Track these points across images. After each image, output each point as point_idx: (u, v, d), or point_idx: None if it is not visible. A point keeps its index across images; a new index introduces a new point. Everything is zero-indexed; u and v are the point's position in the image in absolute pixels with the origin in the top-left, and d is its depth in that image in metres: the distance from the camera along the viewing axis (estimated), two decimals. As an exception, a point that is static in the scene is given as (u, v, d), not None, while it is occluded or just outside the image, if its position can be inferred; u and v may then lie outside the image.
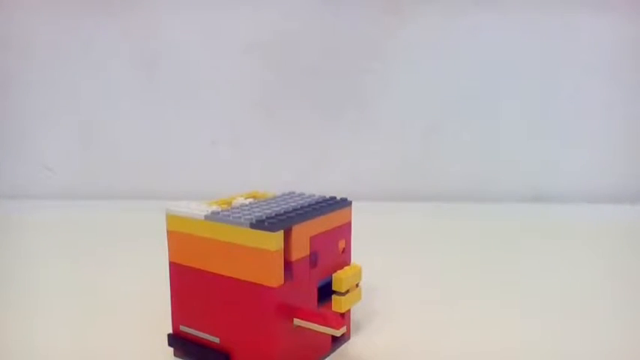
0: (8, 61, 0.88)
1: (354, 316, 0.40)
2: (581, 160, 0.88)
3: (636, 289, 0.50)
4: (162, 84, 0.88)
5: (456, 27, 0.85)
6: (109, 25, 0.86)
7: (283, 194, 0.38)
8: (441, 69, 0.86)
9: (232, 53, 0.87)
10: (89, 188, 0.89)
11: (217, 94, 0.88)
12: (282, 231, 0.31)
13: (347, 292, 0.35)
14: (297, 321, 0.33)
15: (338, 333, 0.32)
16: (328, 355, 0.37)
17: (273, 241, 0.30)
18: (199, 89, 0.88)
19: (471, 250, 0.62)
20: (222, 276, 0.33)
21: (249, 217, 0.32)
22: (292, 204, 0.35)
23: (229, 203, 0.37)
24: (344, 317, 0.37)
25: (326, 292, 0.35)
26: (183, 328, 0.35)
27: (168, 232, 0.35)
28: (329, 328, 0.32)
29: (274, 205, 0.35)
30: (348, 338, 0.39)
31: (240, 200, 0.37)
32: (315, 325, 0.32)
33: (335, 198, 0.37)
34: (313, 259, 0.34)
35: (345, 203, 0.37)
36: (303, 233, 0.33)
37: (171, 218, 0.34)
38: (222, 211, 0.33)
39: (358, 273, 0.36)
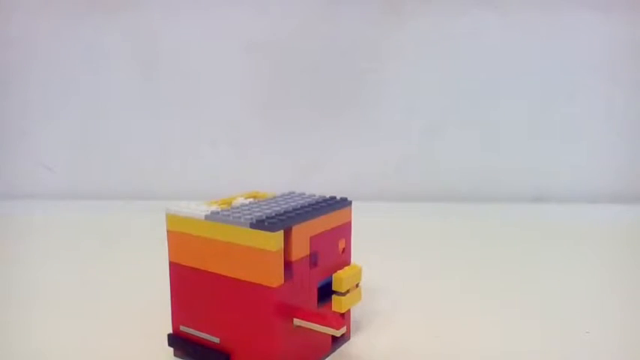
0: (8, 60, 0.88)
1: (354, 316, 0.40)
2: (581, 160, 0.88)
3: (637, 290, 0.50)
4: (163, 84, 0.88)
5: (455, 27, 0.85)
6: (109, 26, 0.86)
7: (283, 194, 0.38)
8: (441, 69, 0.86)
9: (232, 53, 0.87)
10: (89, 188, 0.89)
11: (217, 93, 0.88)
12: (282, 231, 0.31)
13: (347, 292, 0.35)
14: (297, 321, 0.33)
15: (338, 333, 0.32)
16: (328, 355, 0.37)
17: (273, 241, 0.30)
18: (199, 89, 0.88)
19: (472, 251, 0.62)
20: (222, 276, 0.33)
21: (249, 217, 0.32)
22: (292, 204, 0.35)
23: (229, 203, 0.37)
24: (344, 317, 0.37)
25: (326, 292, 0.35)
26: (183, 328, 0.35)
27: (168, 232, 0.35)
28: (329, 328, 0.32)
29: (274, 205, 0.35)
30: (348, 338, 0.39)
31: (240, 200, 0.37)
32: (315, 325, 0.32)
33: (335, 198, 0.37)
34: (313, 259, 0.34)
35: (345, 203, 0.37)
36: (303, 233, 0.33)
37: (171, 218, 0.34)
38: (222, 211, 0.33)
39: (358, 273, 0.36)
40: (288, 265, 0.32)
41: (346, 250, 0.37)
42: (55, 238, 0.68)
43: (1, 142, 0.90)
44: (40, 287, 0.50)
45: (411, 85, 0.87)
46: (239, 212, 0.33)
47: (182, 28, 0.87)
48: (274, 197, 0.37)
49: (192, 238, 0.33)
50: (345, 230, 0.37)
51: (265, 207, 0.34)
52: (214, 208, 0.34)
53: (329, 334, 0.34)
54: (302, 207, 0.34)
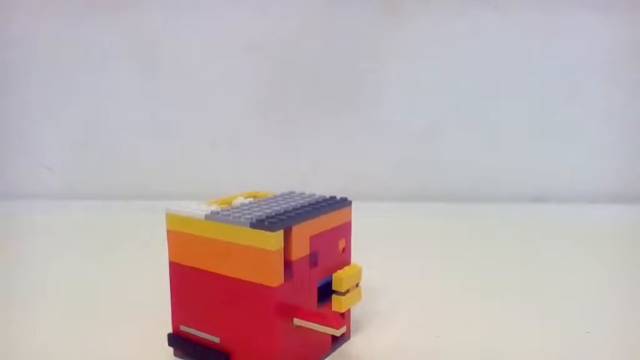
0: (8, 60, 0.88)
1: (354, 316, 0.40)
2: (581, 160, 0.88)
3: (637, 289, 0.50)
4: (163, 84, 0.88)
5: (455, 27, 0.85)
6: (109, 26, 0.86)
7: (283, 194, 0.38)
8: (441, 69, 0.86)
9: (233, 53, 0.87)
10: (89, 188, 0.89)
11: (217, 94, 0.88)
12: (282, 231, 0.31)
13: (347, 291, 0.35)
14: (297, 321, 0.33)
15: (338, 333, 0.32)
16: (328, 355, 0.37)
17: (273, 240, 0.30)
18: (199, 89, 0.88)
19: (472, 251, 0.62)
20: (222, 276, 0.33)
21: (249, 216, 0.32)
22: (292, 204, 0.35)
23: (229, 203, 0.37)
24: (344, 317, 0.37)
25: (326, 291, 0.35)
26: (183, 328, 0.35)
27: (168, 231, 0.35)
28: (329, 328, 0.32)
29: (274, 204, 0.35)
30: (348, 338, 0.39)
31: (240, 200, 0.37)
32: (315, 324, 0.32)
33: (335, 198, 0.37)
34: (313, 258, 0.34)
35: (345, 203, 0.37)
36: (303, 233, 0.33)
37: (171, 218, 0.34)
38: (222, 210, 0.33)
39: (358, 273, 0.36)
40: (288, 264, 0.32)
41: (346, 250, 0.37)
42: (56, 239, 0.68)
43: (2, 143, 0.90)
44: (40, 287, 0.50)
45: (411, 85, 0.87)
46: (239, 212, 0.33)
47: (182, 28, 0.87)
48: (274, 197, 0.37)
49: (193, 237, 0.33)
50: (345, 230, 0.37)
51: (265, 207, 0.34)
52: (214, 207, 0.34)
53: (329, 334, 0.34)
54: (302, 207, 0.34)
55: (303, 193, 0.38)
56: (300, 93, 0.88)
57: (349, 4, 0.85)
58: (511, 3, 0.84)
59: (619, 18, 0.83)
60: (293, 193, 0.39)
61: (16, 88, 0.89)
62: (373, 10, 0.85)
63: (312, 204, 0.35)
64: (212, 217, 0.32)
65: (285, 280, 0.32)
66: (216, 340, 0.34)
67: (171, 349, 0.36)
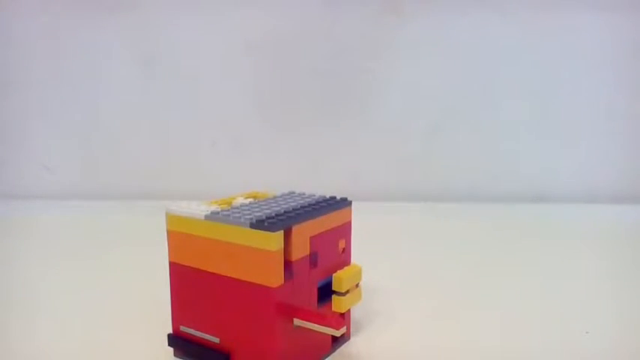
0: (8, 60, 0.88)
1: (354, 316, 0.40)
2: (582, 160, 0.88)
3: (637, 290, 0.50)
4: (163, 84, 0.88)
5: (456, 26, 0.85)
6: (108, 26, 0.86)
7: (283, 194, 0.38)
8: (441, 68, 0.86)
9: (232, 53, 0.87)
10: (89, 188, 0.89)
11: (217, 94, 0.88)
12: (282, 231, 0.31)
13: (347, 292, 0.35)
14: (297, 321, 0.33)
15: (338, 333, 0.32)
16: (328, 355, 0.37)
17: (273, 241, 0.30)
18: (199, 89, 0.88)
19: (472, 251, 0.62)
20: (222, 276, 0.33)
21: (249, 217, 0.32)
22: (292, 204, 0.35)
23: (229, 203, 0.37)
24: (344, 317, 0.37)
25: (326, 292, 0.35)
26: (183, 329, 0.35)
27: (168, 231, 0.35)
28: (329, 328, 0.32)
29: (274, 205, 0.35)
30: (348, 338, 0.39)
31: (240, 200, 0.37)
32: (315, 325, 0.32)
33: (335, 198, 0.37)
34: (313, 259, 0.34)
35: (345, 203, 0.37)
36: (303, 233, 0.33)
37: (171, 218, 0.34)
38: (222, 211, 0.33)
39: (358, 273, 0.36)
40: (288, 265, 0.32)
41: (346, 250, 0.37)
42: (55, 239, 0.68)
43: (1, 143, 0.90)
44: (39, 287, 0.50)
45: (411, 84, 0.87)
46: (239, 212, 0.33)
47: (182, 28, 0.87)
48: (274, 197, 0.37)
49: (192, 238, 0.33)
50: (345, 230, 0.37)
51: (265, 207, 0.34)
52: (214, 208, 0.34)
53: (329, 334, 0.34)
54: (302, 207, 0.34)
55: (303, 194, 0.38)
56: (300, 93, 0.88)
57: (349, 3, 0.85)
58: (512, 3, 0.84)
59: (620, 17, 0.83)
60: (293, 193, 0.39)
61: (15, 88, 0.89)
62: (373, 10, 0.85)
63: (312, 204, 0.35)
64: (212, 217, 0.32)
65: (285, 281, 0.32)
66: (216, 340, 0.34)
67: (171, 350, 0.36)
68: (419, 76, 0.87)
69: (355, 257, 0.38)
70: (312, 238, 0.33)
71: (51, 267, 0.56)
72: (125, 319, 0.42)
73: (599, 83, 0.86)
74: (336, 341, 0.37)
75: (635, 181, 0.88)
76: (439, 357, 0.37)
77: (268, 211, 0.33)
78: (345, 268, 0.36)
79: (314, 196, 0.38)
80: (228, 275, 0.32)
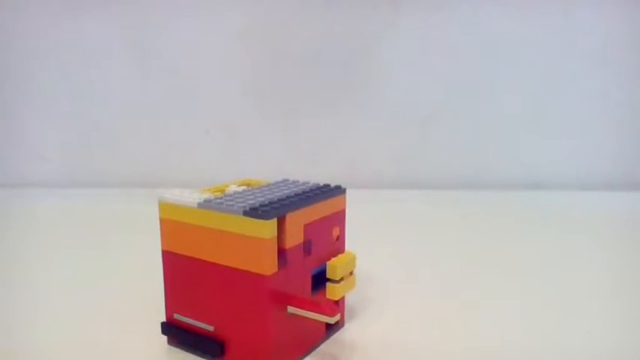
0: (5, 52, 0.87)
1: (348, 304, 0.40)
2: (577, 148, 0.88)
3: (632, 276, 0.50)
4: (157, 73, 0.87)
5: (453, 16, 0.84)
6: (103, 16, 0.86)
7: (277, 182, 0.38)
8: (437, 57, 0.86)
9: (227, 41, 0.86)
10: (84, 177, 0.89)
11: (211, 82, 0.87)
12: (276, 219, 0.31)
13: (341, 279, 0.35)
14: (291, 308, 0.33)
15: (332, 320, 0.32)
16: (322, 342, 0.37)
17: (267, 228, 0.30)
18: (193, 78, 0.88)
19: (468, 238, 0.62)
20: (216, 264, 0.32)
21: (242, 204, 0.31)
22: (286, 192, 0.35)
23: (222, 191, 0.37)
24: (338, 304, 0.37)
25: (320, 279, 0.35)
26: (176, 317, 0.35)
27: (160, 220, 0.35)
28: (323, 316, 0.32)
29: (268, 192, 0.35)
30: (343, 325, 0.39)
31: (233, 188, 0.37)
32: (309, 312, 0.32)
33: (329, 185, 0.37)
34: (307, 246, 0.34)
35: (339, 191, 0.37)
36: (297, 221, 0.33)
37: (163, 206, 0.34)
38: (215, 198, 0.33)
39: (352, 260, 0.36)
40: (281, 252, 0.32)
41: (340, 238, 0.37)
42: (52, 227, 0.68)
43: (-5, 131, 0.90)
44: (36, 275, 0.50)
45: (407, 73, 0.86)
46: (232, 200, 0.33)
47: (178, 17, 0.86)
48: (268, 185, 0.37)
49: (185, 226, 0.33)
50: (339, 218, 0.37)
51: (259, 195, 0.34)
52: (207, 195, 0.34)
53: (323, 322, 0.34)
54: (296, 195, 0.34)
55: (297, 181, 0.38)
56: (295, 81, 0.87)
57: (344, -10, 0.84)
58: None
59: (615, 7, 0.83)
60: (287, 180, 0.38)
61: (12, 79, 0.88)
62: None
63: (306, 192, 0.35)
64: (205, 205, 0.32)
65: (278, 269, 0.31)
66: (210, 328, 0.34)
67: (164, 338, 0.36)
68: (415, 65, 0.86)
69: (350, 245, 0.38)
70: (306, 226, 0.33)
71: (47, 255, 0.56)
72: (119, 307, 0.42)
73: (593, 73, 0.86)
74: (331, 328, 0.37)
75: (628, 168, 0.88)
76: (433, 344, 0.37)
77: (262, 198, 0.33)
78: (340, 255, 0.36)
79: (308, 183, 0.38)
80: (222, 263, 0.32)
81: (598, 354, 0.36)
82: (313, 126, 0.88)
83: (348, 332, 0.38)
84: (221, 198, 0.33)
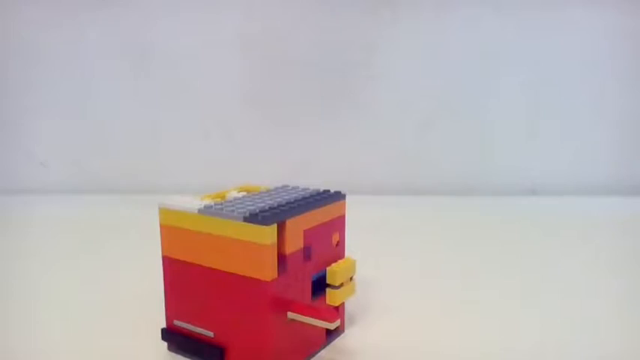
0: (1, 56, 0.87)
1: (348, 310, 0.40)
2: (576, 154, 0.88)
3: (631, 280, 0.50)
4: (156, 78, 0.87)
5: (450, 21, 0.85)
6: (101, 20, 0.86)
7: (277, 188, 0.38)
8: (435, 62, 0.86)
9: (226, 46, 0.86)
10: (83, 183, 0.89)
11: (211, 88, 0.88)
12: (276, 224, 0.31)
13: (341, 285, 0.35)
14: (291, 314, 0.33)
15: (332, 326, 0.32)
16: (323, 348, 0.37)
17: (267, 234, 0.30)
18: (193, 83, 0.88)
19: (466, 244, 0.62)
20: (216, 270, 0.32)
21: (242, 210, 0.32)
22: (286, 197, 0.35)
23: (223, 197, 0.37)
24: (338, 310, 0.37)
25: (320, 285, 0.35)
26: (176, 323, 0.35)
27: (161, 226, 0.35)
28: (323, 322, 0.32)
29: (268, 198, 0.35)
30: (343, 331, 0.39)
31: (233, 194, 0.37)
32: (309, 318, 0.32)
33: (329, 191, 0.37)
34: (307, 252, 0.34)
35: (339, 196, 0.37)
36: (297, 227, 0.33)
37: (164, 212, 0.34)
38: (215, 204, 0.33)
39: (352, 266, 0.36)
40: (281, 258, 0.32)
41: (340, 244, 0.37)
42: (50, 233, 0.68)
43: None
44: (34, 281, 0.50)
45: (405, 78, 0.87)
46: (232, 206, 0.33)
47: (176, 21, 0.86)
48: (268, 191, 0.37)
49: (186, 232, 0.33)
50: (339, 224, 0.37)
51: (259, 200, 0.34)
52: (207, 202, 0.34)
53: (323, 328, 0.34)
54: (296, 200, 0.34)
55: (297, 187, 0.38)
56: (293, 87, 0.88)
57: (343, -3, 0.85)
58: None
59: (612, 11, 0.84)
60: (287, 186, 0.38)
61: (8, 83, 0.88)
62: (367, 3, 0.85)
63: (306, 198, 0.35)
64: (205, 211, 0.32)
65: (278, 274, 0.31)
66: (210, 334, 0.33)
67: (164, 344, 0.36)
68: (414, 71, 0.86)
69: (349, 251, 0.38)
70: (305, 232, 0.33)
71: (46, 261, 0.56)
72: (118, 313, 0.42)
73: (591, 78, 0.86)
74: (331, 334, 0.37)
75: (628, 174, 0.88)
76: (433, 349, 0.37)
77: (262, 204, 0.33)
78: (339, 261, 0.36)
79: (308, 189, 0.38)
80: (222, 269, 0.32)
81: (598, 358, 0.36)
82: (313, 132, 0.89)
83: (348, 338, 0.38)
84: (221, 204, 0.33)
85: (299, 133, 0.89)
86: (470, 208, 0.79)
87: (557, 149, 0.88)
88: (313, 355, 0.36)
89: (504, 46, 0.85)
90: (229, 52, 0.87)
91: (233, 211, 0.32)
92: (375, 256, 0.49)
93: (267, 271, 0.31)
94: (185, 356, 0.35)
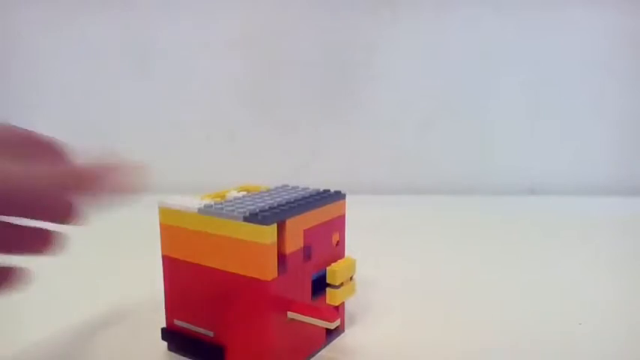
0: (4, 56, 0.87)
1: (348, 309, 0.40)
2: (575, 153, 0.88)
3: (629, 280, 0.50)
4: (157, 79, 0.87)
5: (450, 21, 0.85)
6: (102, 21, 0.86)
7: (277, 187, 0.38)
8: (435, 62, 0.86)
9: (226, 47, 0.86)
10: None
11: (211, 88, 0.88)
12: (276, 224, 0.31)
13: (341, 284, 0.35)
14: (291, 314, 0.33)
15: (332, 326, 0.32)
16: (323, 348, 0.37)
17: (267, 234, 0.30)
18: (193, 84, 0.88)
19: (467, 243, 0.62)
20: (216, 269, 0.32)
21: (242, 210, 0.32)
22: (286, 197, 0.35)
23: (223, 196, 0.37)
24: (338, 310, 0.37)
25: (320, 285, 0.35)
26: (176, 322, 0.35)
27: (161, 225, 0.35)
28: (323, 321, 0.32)
29: (268, 198, 0.35)
30: (343, 331, 0.39)
31: (233, 193, 0.37)
32: (309, 318, 0.32)
33: (329, 191, 0.37)
34: (307, 252, 0.34)
35: (339, 196, 0.37)
36: (297, 226, 0.33)
37: (163, 211, 0.34)
38: (215, 204, 0.33)
39: (352, 266, 0.36)
40: (281, 258, 0.32)
41: (340, 243, 0.37)
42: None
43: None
44: (33, 281, 0.50)
45: (405, 78, 0.87)
46: (232, 205, 0.33)
47: (176, 22, 0.86)
48: (268, 190, 0.37)
49: (186, 231, 0.33)
50: (339, 223, 0.37)
51: (259, 200, 0.34)
52: (207, 201, 0.34)
53: (323, 327, 0.34)
54: (296, 200, 0.34)
55: (297, 187, 0.38)
56: (294, 87, 0.88)
57: (343, -4, 0.85)
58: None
59: (612, 11, 0.84)
60: (287, 186, 0.38)
61: (7, 82, 0.88)
62: (367, 3, 0.85)
63: (306, 197, 0.35)
64: (205, 210, 0.32)
65: (278, 274, 0.31)
66: (210, 334, 0.33)
67: (164, 344, 0.36)
68: (413, 70, 0.86)
69: (349, 250, 0.38)
70: (305, 231, 0.33)
71: (45, 260, 0.56)
72: (119, 312, 0.42)
73: (591, 78, 0.86)
74: (331, 334, 0.37)
75: (626, 174, 0.88)
76: (433, 349, 0.37)
77: (262, 204, 0.33)
78: (339, 261, 0.36)
79: (308, 189, 0.38)
80: (222, 269, 0.32)
81: (598, 358, 0.36)
82: (313, 131, 0.89)
83: (348, 338, 0.38)
84: (221, 203, 0.33)
85: (299, 132, 0.89)
86: (470, 208, 0.79)
87: (557, 149, 0.88)
88: (313, 355, 0.36)
89: (504, 46, 0.85)
90: (230, 52, 0.87)
91: (233, 210, 0.32)
92: (375, 256, 0.49)
93: (267, 270, 0.31)
94: (185, 356, 0.35)
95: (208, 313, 0.33)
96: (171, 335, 0.35)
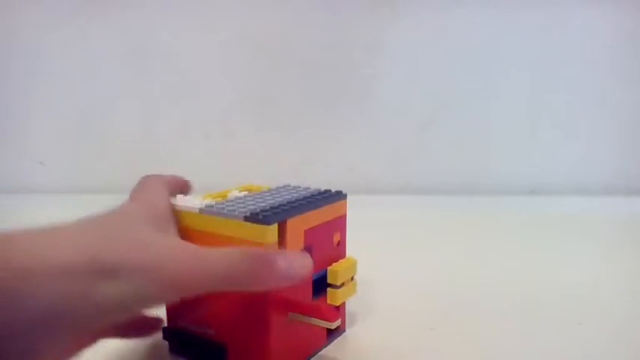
0: (4, 56, 0.87)
1: (349, 309, 0.40)
2: (576, 153, 0.88)
3: (629, 281, 0.50)
4: (156, 77, 0.87)
5: (450, 20, 0.85)
6: (101, 19, 0.86)
7: (278, 187, 0.38)
8: (435, 61, 0.86)
9: (226, 46, 0.86)
10: (82, 182, 0.89)
11: (211, 87, 0.88)
12: (277, 224, 0.31)
13: (342, 285, 0.35)
14: (292, 314, 0.33)
15: (333, 326, 0.32)
16: (323, 348, 0.37)
17: (268, 234, 0.30)
18: (193, 83, 0.88)
19: (467, 244, 0.62)
20: (217, 269, 0.32)
21: (243, 209, 0.32)
22: (287, 197, 0.35)
23: (224, 196, 0.37)
24: (339, 310, 0.37)
25: (321, 285, 0.35)
26: (178, 322, 0.35)
27: (162, 225, 0.34)
28: (324, 321, 0.32)
29: (269, 197, 0.35)
30: (344, 331, 0.39)
31: (234, 193, 0.37)
32: (310, 318, 0.32)
33: (330, 191, 0.37)
34: (308, 251, 0.34)
35: (340, 196, 0.37)
36: (298, 226, 0.33)
37: (165, 212, 0.34)
38: (216, 204, 0.33)
39: (353, 266, 0.36)
40: (282, 258, 0.32)
41: (341, 243, 0.37)
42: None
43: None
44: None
45: (405, 77, 0.87)
46: (233, 205, 0.33)
47: (175, 19, 0.86)
48: (269, 190, 0.37)
49: (187, 231, 0.33)
50: (340, 223, 0.37)
51: (260, 200, 0.34)
52: (209, 201, 0.34)
53: (324, 327, 0.34)
54: (297, 200, 0.34)
55: (298, 187, 0.38)
56: (294, 86, 0.88)
57: (343, -4, 0.85)
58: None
59: (612, 10, 0.84)
60: (288, 186, 0.39)
61: (6, 82, 0.88)
62: (367, 2, 0.85)
63: (307, 197, 0.35)
64: (206, 210, 0.32)
65: (280, 274, 0.31)
66: (212, 333, 0.33)
67: (166, 343, 0.36)
68: (413, 69, 0.86)
69: (350, 250, 0.38)
70: (306, 231, 0.33)
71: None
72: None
73: (593, 76, 0.86)
74: (331, 334, 0.37)
75: (628, 174, 0.88)
76: (434, 349, 0.37)
77: (263, 204, 0.33)
78: (340, 261, 0.36)
79: (309, 189, 0.38)
80: (223, 268, 0.32)
81: (598, 357, 0.36)
82: (313, 131, 0.89)
83: (350, 338, 0.38)
84: (222, 203, 0.33)
85: (300, 132, 0.89)
86: (470, 208, 0.79)
87: (557, 149, 0.88)
88: (314, 355, 0.36)
89: (504, 45, 0.85)
90: (229, 52, 0.87)
91: (234, 210, 0.32)
92: (375, 256, 0.49)
93: (268, 270, 0.31)
94: (186, 356, 0.35)
95: (209, 312, 0.33)
96: (173, 335, 0.35)
